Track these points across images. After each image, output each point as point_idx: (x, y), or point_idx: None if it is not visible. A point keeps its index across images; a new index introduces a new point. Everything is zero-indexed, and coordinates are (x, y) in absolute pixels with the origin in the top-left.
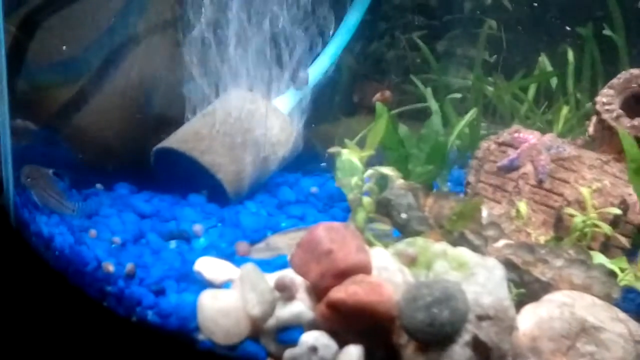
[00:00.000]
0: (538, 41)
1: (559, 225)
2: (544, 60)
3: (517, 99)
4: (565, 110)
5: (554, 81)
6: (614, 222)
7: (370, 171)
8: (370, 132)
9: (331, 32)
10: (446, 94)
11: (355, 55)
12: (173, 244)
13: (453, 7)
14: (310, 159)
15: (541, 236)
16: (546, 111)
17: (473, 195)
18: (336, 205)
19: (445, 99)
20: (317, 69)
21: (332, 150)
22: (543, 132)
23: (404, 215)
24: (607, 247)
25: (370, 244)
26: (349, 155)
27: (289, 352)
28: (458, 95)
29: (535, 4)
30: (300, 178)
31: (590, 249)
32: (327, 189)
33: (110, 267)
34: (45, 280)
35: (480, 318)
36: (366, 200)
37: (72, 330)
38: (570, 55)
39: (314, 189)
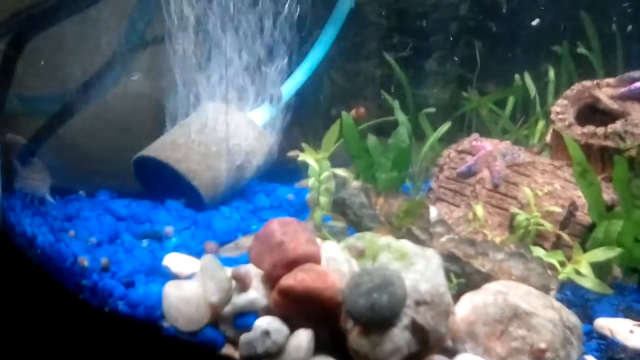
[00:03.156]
0: (521, 60)
1: (514, 227)
2: (520, 78)
3: (496, 115)
4: (541, 124)
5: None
6: (564, 222)
7: (326, 173)
8: (325, 136)
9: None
10: (423, 108)
11: (339, 73)
12: (145, 242)
13: (439, 28)
14: (290, 170)
15: (497, 237)
16: (522, 126)
17: (435, 200)
18: (308, 211)
19: (421, 113)
20: (292, 84)
21: (291, 154)
22: (519, 145)
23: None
24: (558, 247)
25: (326, 240)
26: (305, 157)
27: (244, 337)
28: (432, 110)
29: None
30: (278, 187)
31: (543, 248)
32: (303, 196)
33: (85, 262)
34: (29, 276)
35: (418, 303)
36: (323, 199)
37: (52, 321)
38: (552, 73)
39: (290, 196)
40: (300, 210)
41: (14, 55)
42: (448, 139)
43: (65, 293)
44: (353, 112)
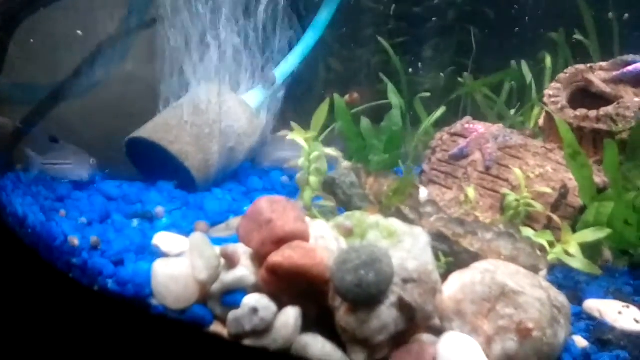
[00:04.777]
0: (518, 47)
1: (504, 208)
2: (515, 65)
3: (491, 101)
4: (536, 110)
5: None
6: (555, 205)
7: (316, 152)
8: (314, 115)
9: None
10: (418, 93)
11: (334, 58)
12: (135, 222)
13: (435, 15)
14: None
15: (488, 219)
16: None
17: (427, 182)
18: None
19: (415, 98)
20: (286, 67)
21: (280, 133)
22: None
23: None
24: (549, 229)
25: (315, 219)
26: (294, 137)
27: (232, 314)
28: (427, 94)
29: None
30: (273, 170)
31: (534, 230)
32: None
33: (75, 241)
34: (20, 255)
35: (405, 281)
36: (313, 179)
37: (42, 299)
38: (548, 60)
39: (284, 179)
40: (293, 192)
41: (5, 39)
42: (443, 125)
43: (55, 272)
44: (347, 97)
